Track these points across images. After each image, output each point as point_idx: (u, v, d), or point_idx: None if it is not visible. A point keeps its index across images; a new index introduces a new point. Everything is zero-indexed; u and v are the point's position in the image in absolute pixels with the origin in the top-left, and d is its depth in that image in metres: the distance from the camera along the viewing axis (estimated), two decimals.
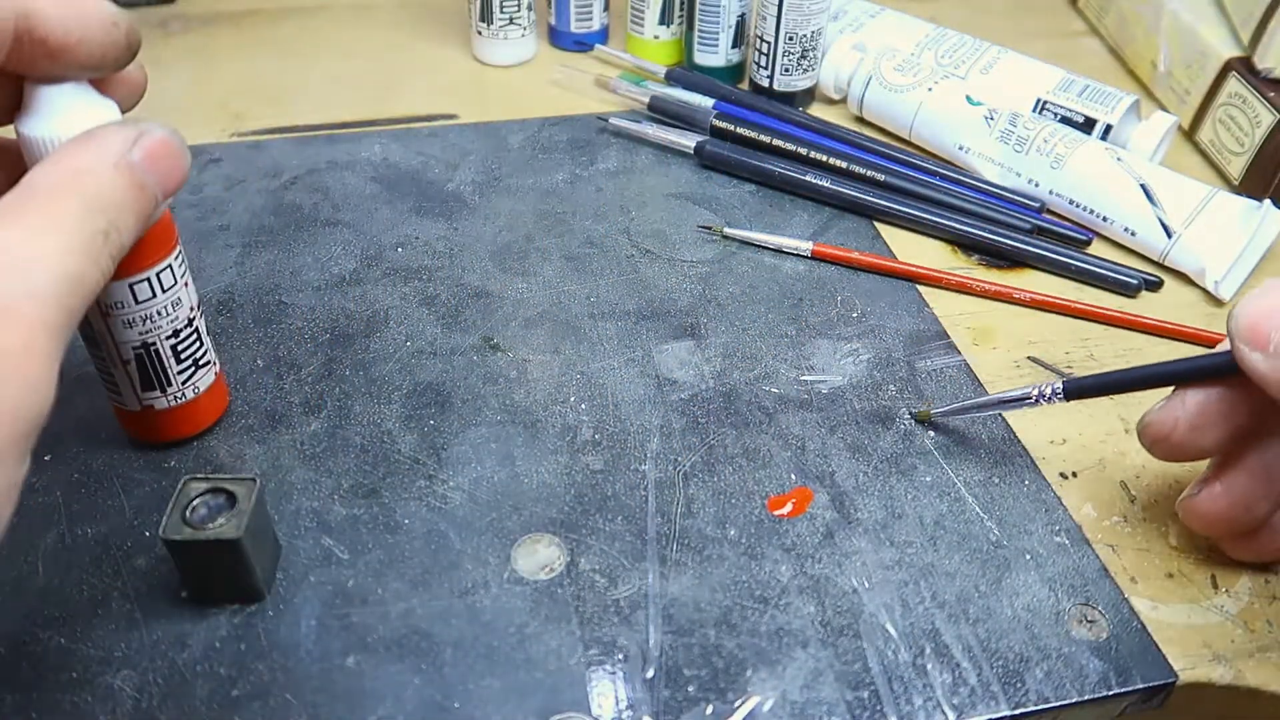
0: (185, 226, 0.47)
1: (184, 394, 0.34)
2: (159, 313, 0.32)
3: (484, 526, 0.34)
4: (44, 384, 0.22)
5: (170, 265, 0.31)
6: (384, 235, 0.47)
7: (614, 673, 0.30)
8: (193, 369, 0.34)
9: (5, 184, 0.28)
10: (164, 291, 0.32)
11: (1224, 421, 0.30)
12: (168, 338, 0.33)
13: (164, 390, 0.34)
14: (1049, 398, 0.34)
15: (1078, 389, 0.34)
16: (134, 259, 0.30)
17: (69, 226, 0.23)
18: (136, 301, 0.31)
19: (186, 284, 0.33)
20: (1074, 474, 0.37)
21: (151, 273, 0.31)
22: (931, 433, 0.38)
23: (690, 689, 0.29)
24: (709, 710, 0.29)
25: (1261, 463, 0.30)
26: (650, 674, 0.30)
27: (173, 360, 0.33)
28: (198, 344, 0.34)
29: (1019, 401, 0.35)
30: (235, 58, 0.61)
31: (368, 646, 0.30)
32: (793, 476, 0.36)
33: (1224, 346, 0.30)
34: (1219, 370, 0.30)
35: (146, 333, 0.32)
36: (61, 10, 0.25)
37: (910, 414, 0.38)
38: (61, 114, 0.27)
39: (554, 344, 0.41)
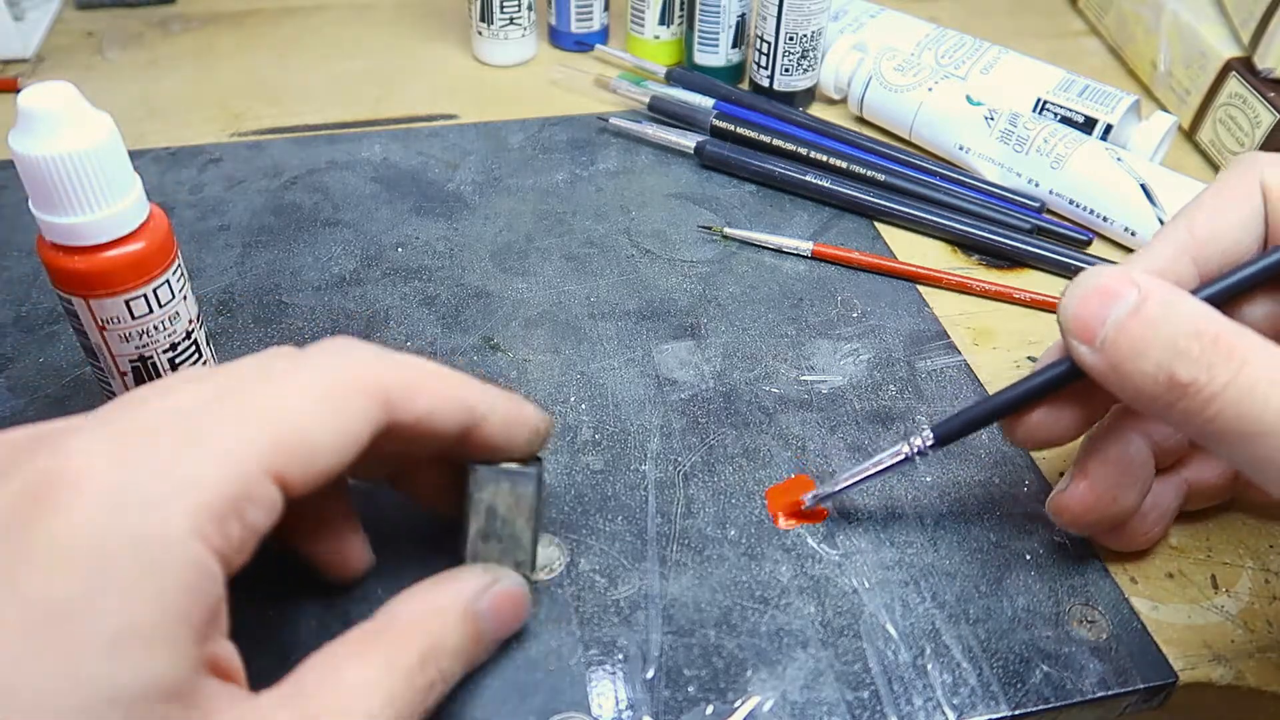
0: (185, 226, 0.47)
1: None
2: (155, 327, 0.32)
3: None
4: None
5: (168, 280, 0.31)
6: (384, 235, 0.47)
7: (614, 673, 0.30)
8: None
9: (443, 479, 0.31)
10: (160, 307, 0.32)
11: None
12: (164, 351, 0.33)
13: None
14: (923, 450, 0.32)
15: (948, 434, 0.31)
16: (130, 274, 0.30)
17: (400, 680, 0.24)
18: (133, 317, 0.31)
19: (185, 297, 0.33)
20: None
21: (148, 288, 0.31)
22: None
23: (690, 689, 0.29)
24: (709, 710, 0.29)
25: (1123, 453, 0.30)
26: (650, 674, 0.30)
27: (170, 373, 0.33)
28: (196, 356, 0.34)
29: (897, 464, 0.32)
30: (235, 58, 0.62)
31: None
32: (793, 477, 0.36)
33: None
34: (1070, 377, 0.29)
35: (143, 346, 0.32)
36: (502, 430, 0.28)
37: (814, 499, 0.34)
38: (53, 133, 0.27)
39: (554, 344, 0.41)
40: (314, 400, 0.24)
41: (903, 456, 0.32)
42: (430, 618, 0.26)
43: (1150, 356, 0.25)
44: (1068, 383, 0.29)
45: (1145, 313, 0.25)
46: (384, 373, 0.25)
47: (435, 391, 0.26)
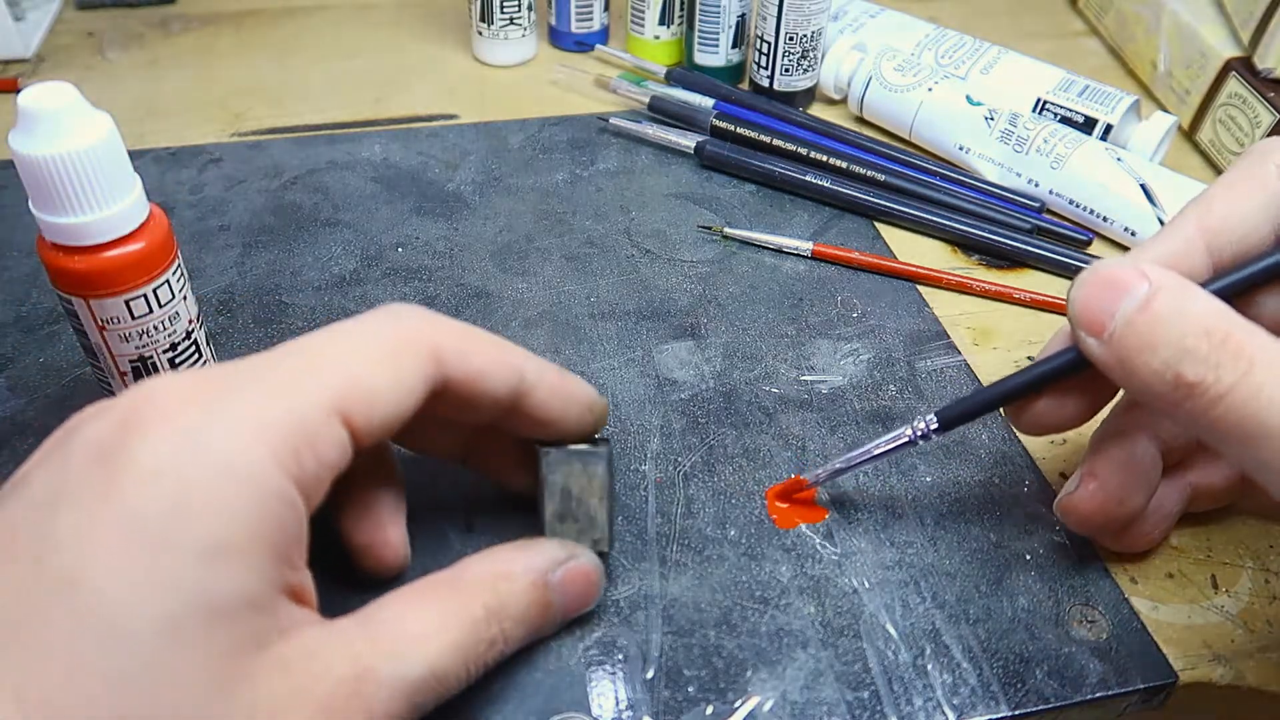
0: (185, 226, 0.47)
1: None
2: (155, 327, 0.32)
3: (485, 526, 0.34)
4: None
5: (168, 280, 0.31)
6: (384, 235, 0.47)
7: (614, 673, 0.30)
8: None
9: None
10: (160, 307, 0.32)
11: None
12: (164, 351, 0.33)
13: None
14: (926, 434, 0.32)
15: (953, 418, 0.31)
16: (130, 274, 0.30)
17: (463, 628, 0.26)
18: (133, 317, 0.31)
19: (185, 298, 0.33)
20: None
21: (148, 288, 0.31)
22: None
23: (690, 689, 0.29)
24: (709, 710, 0.29)
25: (1131, 454, 0.30)
26: (650, 674, 0.30)
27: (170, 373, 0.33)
28: (196, 356, 0.34)
29: (899, 447, 0.32)
30: (235, 58, 0.62)
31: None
32: (793, 477, 0.36)
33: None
34: (1077, 365, 0.29)
35: (143, 346, 0.32)
36: (554, 399, 0.29)
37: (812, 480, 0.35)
38: (53, 133, 0.27)
39: (554, 344, 0.41)
40: (371, 351, 0.25)
41: (907, 439, 0.32)
42: (498, 579, 0.27)
43: (1158, 353, 0.25)
44: (1075, 371, 0.29)
45: (1154, 308, 0.25)
46: (437, 331, 0.27)
47: (486, 352, 0.27)
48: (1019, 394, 0.31)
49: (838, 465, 0.34)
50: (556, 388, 0.29)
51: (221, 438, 0.22)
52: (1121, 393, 0.31)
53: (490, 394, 0.28)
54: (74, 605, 0.20)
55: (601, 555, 0.30)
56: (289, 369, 0.25)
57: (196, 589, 0.21)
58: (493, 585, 0.27)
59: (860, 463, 0.33)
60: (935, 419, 0.32)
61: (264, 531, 0.22)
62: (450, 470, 0.34)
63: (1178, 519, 0.33)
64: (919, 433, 0.32)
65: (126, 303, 0.31)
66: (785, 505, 0.35)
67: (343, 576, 0.31)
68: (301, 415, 0.24)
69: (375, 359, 0.25)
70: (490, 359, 0.27)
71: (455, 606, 0.26)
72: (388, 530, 0.30)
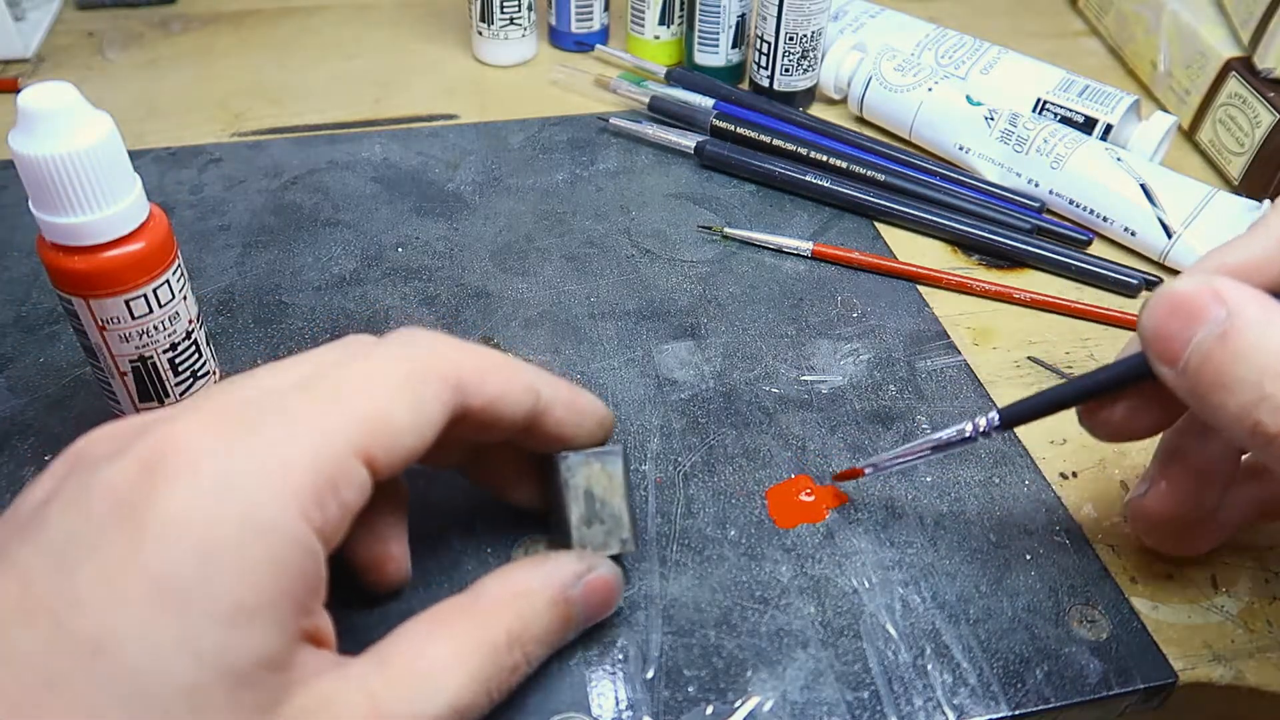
0: (185, 226, 0.47)
1: None
2: (155, 327, 0.32)
3: (484, 527, 0.34)
4: None
5: (168, 280, 0.31)
6: (384, 235, 0.47)
7: (614, 673, 0.30)
8: (191, 380, 0.34)
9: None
10: (160, 307, 0.32)
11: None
12: (165, 351, 0.33)
13: (161, 402, 0.34)
14: (985, 431, 0.31)
15: (1014, 416, 0.31)
16: (130, 274, 0.30)
17: (483, 656, 0.25)
18: (133, 317, 0.31)
19: (185, 297, 0.33)
20: (1074, 474, 0.37)
21: (148, 288, 0.31)
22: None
23: (690, 689, 0.29)
24: (709, 710, 0.29)
25: (1203, 457, 0.30)
26: (650, 674, 0.30)
27: (170, 373, 0.33)
28: (196, 356, 0.34)
29: (958, 442, 0.32)
30: (235, 58, 0.62)
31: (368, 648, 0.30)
32: (793, 477, 0.36)
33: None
34: (1144, 373, 0.27)
35: (143, 346, 0.32)
36: (569, 416, 0.29)
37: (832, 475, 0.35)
38: (53, 133, 0.27)
39: (554, 344, 0.41)
40: (393, 385, 0.25)
41: (966, 435, 0.32)
42: (519, 600, 0.27)
43: (1235, 396, 0.23)
44: (1144, 378, 0.27)
45: (1232, 343, 0.23)
46: (456, 359, 0.27)
47: (503, 377, 0.27)
48: (1085, 396, 0.30)
49: (897, 457, 0.33)
50: (570, 405, 0.29)
51: (244, 492, 0.22)
52: None
53: (508, 417, 0.27)
54: (98, 671, 0.20)
55: (621, 556, 0.30)
56: (311, 407, 0.24)
57: (219, 653, 0.21)
58: (513, 607, 0.26)
59: (919, 456, 0.33)
60: (997, 416, 0.31)
61: (285, 588, 0.22)
62: (450, 469, 0.34)
63: (1237, 529, 0.32)
64: (979, 429, 0.31)
65: (126, 303, 0.31)
66: (839, 484, 0.35)
67: (344, 585, 0.31)
68: (326, 462, 0.23)
69: (396, 391, 0.25)
70: (507, 382, 0.27)
71: (475, 634, 0.25)
72: (390, 546, 0.30)
